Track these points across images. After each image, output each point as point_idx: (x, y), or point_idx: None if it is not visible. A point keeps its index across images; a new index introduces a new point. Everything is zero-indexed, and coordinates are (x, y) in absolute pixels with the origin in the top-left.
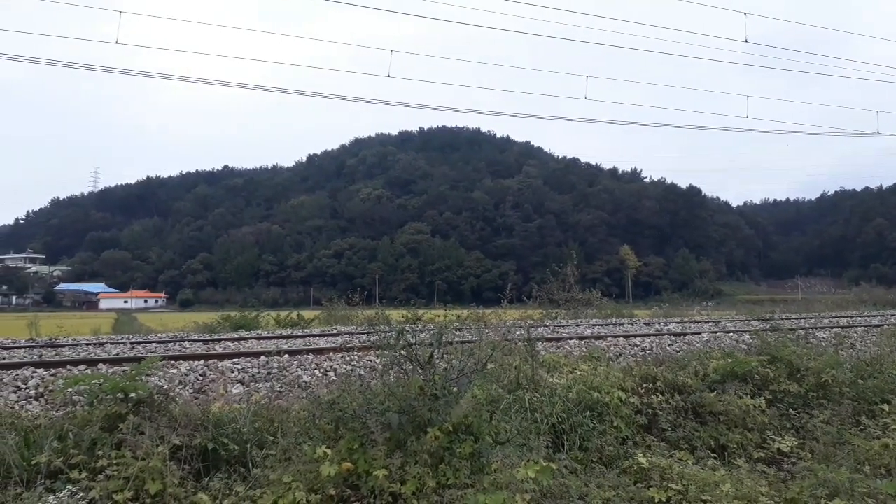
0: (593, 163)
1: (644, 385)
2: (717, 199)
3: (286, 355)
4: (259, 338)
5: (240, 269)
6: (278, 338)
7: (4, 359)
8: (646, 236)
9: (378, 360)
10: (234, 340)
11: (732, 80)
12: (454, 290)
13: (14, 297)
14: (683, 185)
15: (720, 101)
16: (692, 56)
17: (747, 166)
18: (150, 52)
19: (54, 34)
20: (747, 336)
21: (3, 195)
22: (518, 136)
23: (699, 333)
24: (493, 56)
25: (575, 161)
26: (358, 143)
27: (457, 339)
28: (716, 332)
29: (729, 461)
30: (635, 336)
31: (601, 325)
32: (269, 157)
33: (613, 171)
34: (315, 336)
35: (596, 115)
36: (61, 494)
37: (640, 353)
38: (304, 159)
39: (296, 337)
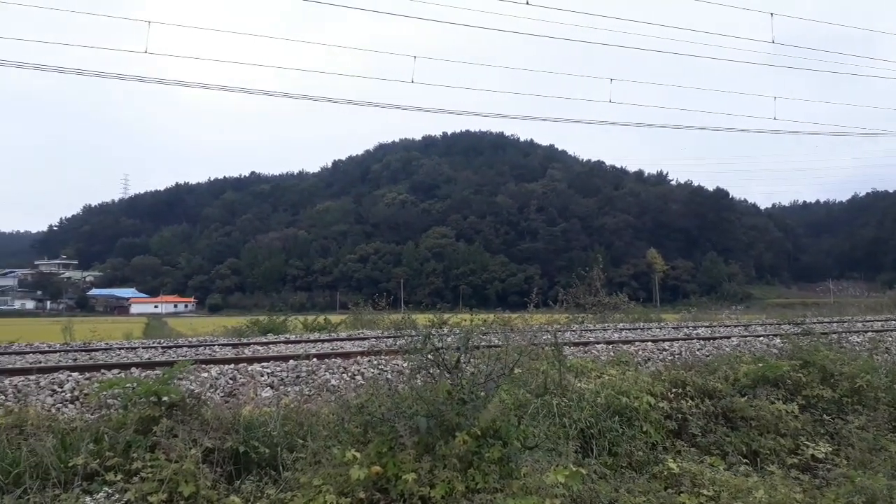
0: (618, 165)
1: (673, 390)
2: (745, 201)
3: (314, 359)
4: (287, 342)
5: (267, 273)
6: (306, 341)
7: (41, 363)
8: (673, 239)
9: (405, 364)
10: (262, 344)
11: (759, 81)
12: (479, 294)
13: (48, 302)
14: (710, 187)
15: (747, 102)
16: (718, 58)
17: (775, 168)
18: (178, 61)
19: (84, 44)
20: (778, 340)
21: (37, 203)
22: (542, 140)
23: (729, 337)
24: (516, 60)
25: (600, 164)
26: (382, 148)
27: (483, 343)
28: (746, 336)
29: (761, 467)
30: (664, 340)
31: (629, 330)
32: (295, 163)
33: (639, 173)
34: (342, 340)
35: (620, 118)
36: (98, 496)
37: (669, 358)
38: (330, 165)
39: (323, 341)
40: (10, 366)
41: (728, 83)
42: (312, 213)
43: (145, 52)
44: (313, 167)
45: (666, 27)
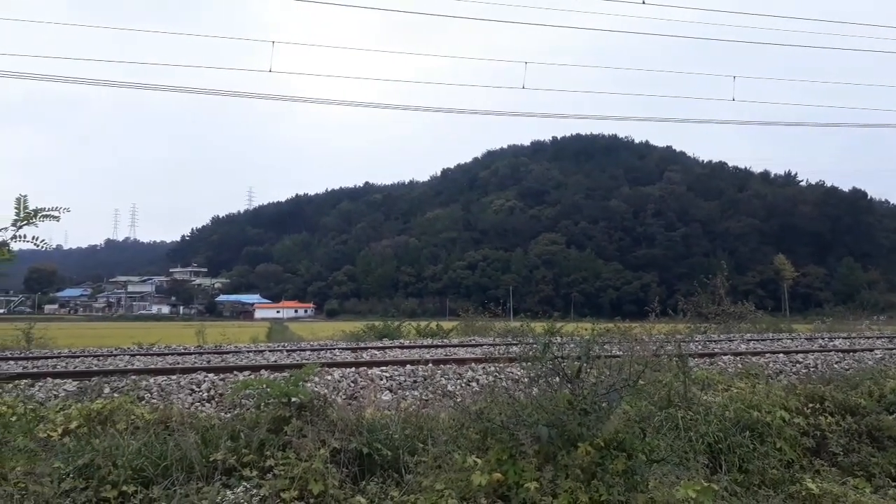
0: (742, 166)
1: (810, 405)
2: (887, 202)
3: (430, 364)
4: (402, 347)
5: (380, 280)
6: (420, 347)
7: (179, 363)
8: (803, 244)
9: (521, 372)
10: (379, 349)
11: None
12: (591, 302)
13: (181, 307)
14: (845, 187)
15: (886, 94)
16: (851, 48)
17: None
18: (299, 78)
19: (215, 66)
20: None
21: (174, 216)
22: (658, 141)
23: (871, 350)
24: (630, 61)
25: (722, 165)
26: (490, 155)
27: (603, 353)
28: (891, 350)
29: None
30: (797, 352)
31: (757, 341)
32: (406, 173)
33: (765, 174)
34: (454, 346)
35: (744, 117)
36: (237, 490)
37: (804, 371)
38: (438, 173)
39: (436, 346)
40: (152, 366)
41: (864, 75)
42: (422, 221)
43: (270, 71)
44: (423, 176)
45: (791, 19)
